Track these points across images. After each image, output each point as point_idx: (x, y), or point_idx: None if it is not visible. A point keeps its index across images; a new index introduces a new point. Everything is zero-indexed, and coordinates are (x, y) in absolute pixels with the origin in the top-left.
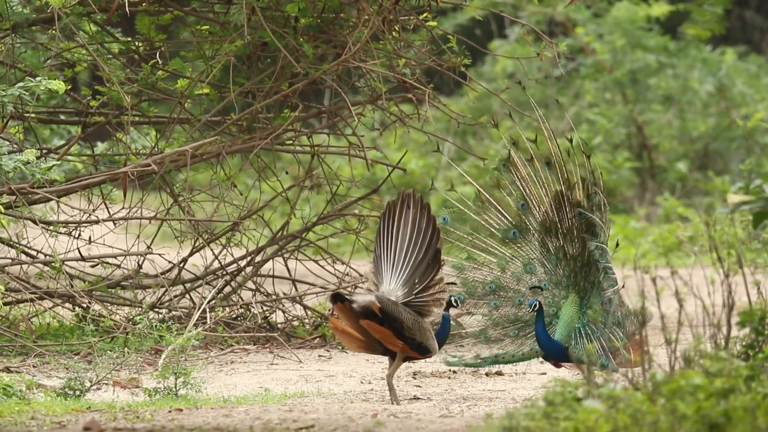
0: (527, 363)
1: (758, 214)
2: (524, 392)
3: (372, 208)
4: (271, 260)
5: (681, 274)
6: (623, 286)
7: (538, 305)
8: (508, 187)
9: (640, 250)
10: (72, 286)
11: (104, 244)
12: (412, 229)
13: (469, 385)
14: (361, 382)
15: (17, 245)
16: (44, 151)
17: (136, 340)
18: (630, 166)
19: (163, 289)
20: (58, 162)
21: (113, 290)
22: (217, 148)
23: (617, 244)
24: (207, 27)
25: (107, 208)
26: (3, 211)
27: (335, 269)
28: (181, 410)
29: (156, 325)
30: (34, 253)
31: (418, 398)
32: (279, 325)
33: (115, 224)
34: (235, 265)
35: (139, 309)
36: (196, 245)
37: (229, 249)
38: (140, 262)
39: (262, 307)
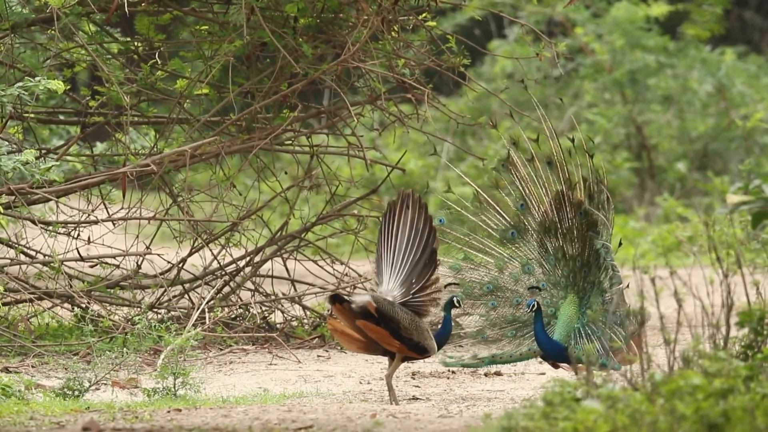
0: (525, 363)
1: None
2: (523, 392)
3: (371, 208)
4: (270, 260)
5: (680, 274)
6: (628, 286)
7: (536, 305)
8: (507, 188)
9: (640, 250)
10: (71, 287)
11: (103, 245)
12: (410, 229)
13: (468, 385)
14: (360, 383)
15: (16, 245)
16: (43, 151)
17: (135, 340)
18: (629, 167)
19: (162, 289)
20: (57, 162)
21: (112, 290)
22: (216, 148)
23: (620, 243)
24: (206, 27)
25: (106, 209)
26: (2, 211)
27: (334, 269)
28: (179, 410)
29: (155, 326)
30: (33, 253)
31: (417, 398)
32: (278, 326)
33: (114, 224)
34: (234, 265)
35: (138, 309)
36: (195, 245)
37: (228, 249)
38: (139, 263)
39: (261, 308)
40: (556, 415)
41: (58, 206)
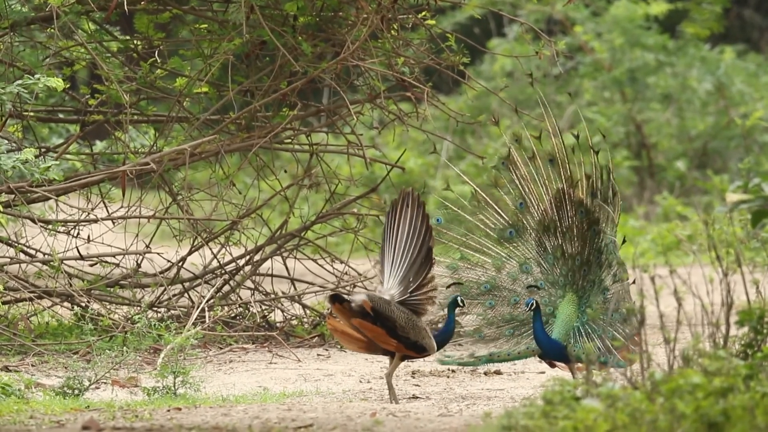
0: (525, 362)
1: (757, 212)
2: (523, 391)
3: (371, 207)
4: (269, 259)
5: (680, 272)
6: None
7: (534, 304)
8: (506, 186)
9: (639, 248)
10: (71, 285)
11: (103, 243)
12: (409, 227)
13: (468, 384)
14: (360, 381)
15: (16, 244)
16: (43, 150)
17: (135, 339)
18: (629, 165)
19: (162, 288)
20: (57, 161)
21: (112, 289)
22: (216, 146)
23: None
24: (206, 25)
25: (106, 207)
26: (2, 209)
27: (334, 268)
28: (179, 409)
29: (155, 324)
30: (32, 251)
31: (417, 397)
32: (278, 324)
33: (113, 223)
34: (233, 264)
35: (138, 308)
36: (194, 244)
37: (227, 248)
38: (139, 261)
39: (260, 306)
40: (555, 413)
41: (57, 205)
